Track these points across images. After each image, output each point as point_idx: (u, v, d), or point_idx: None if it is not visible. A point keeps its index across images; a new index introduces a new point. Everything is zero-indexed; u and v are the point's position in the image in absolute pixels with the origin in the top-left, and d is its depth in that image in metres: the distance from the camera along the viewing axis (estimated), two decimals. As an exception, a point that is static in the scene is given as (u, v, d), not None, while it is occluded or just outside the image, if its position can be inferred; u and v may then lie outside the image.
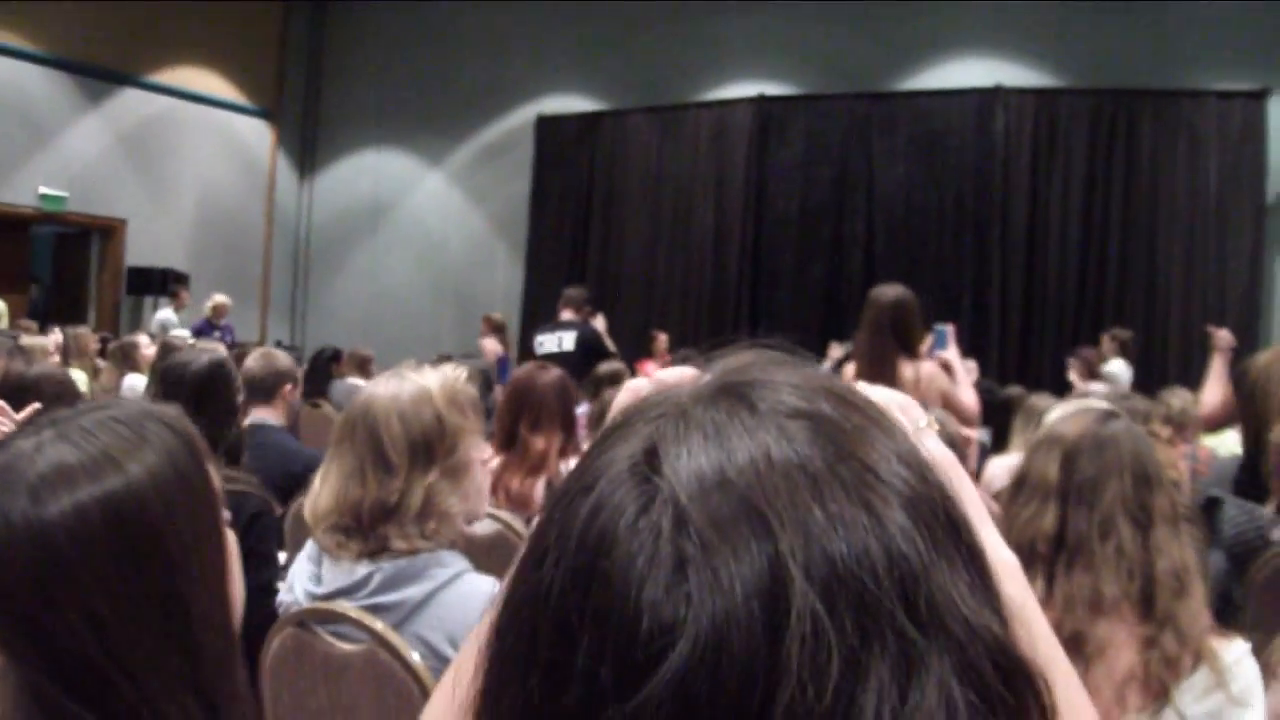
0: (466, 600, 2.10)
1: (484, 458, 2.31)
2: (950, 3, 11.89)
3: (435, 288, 14.49)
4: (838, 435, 0.55)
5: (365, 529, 2.12)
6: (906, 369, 4.45)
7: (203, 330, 11.10)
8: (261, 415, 4.12)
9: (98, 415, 1.19)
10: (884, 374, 4.39)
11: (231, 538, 1.28)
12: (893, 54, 12.18)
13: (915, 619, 0.50)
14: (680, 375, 0.68)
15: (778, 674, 0.48)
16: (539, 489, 3.62)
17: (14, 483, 1.11)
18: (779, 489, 0.52)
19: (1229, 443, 6.28)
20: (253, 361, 4.24)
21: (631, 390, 0.75)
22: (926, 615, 0.50)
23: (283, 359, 4.34)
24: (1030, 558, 1.87)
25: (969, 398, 4.65)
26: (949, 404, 4.51)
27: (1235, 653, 1.83)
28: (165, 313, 12.01)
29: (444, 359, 9.82)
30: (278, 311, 15.68)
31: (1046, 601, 1.83)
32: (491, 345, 9.26)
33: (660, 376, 0.74)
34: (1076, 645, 1.80)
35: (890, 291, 4.57)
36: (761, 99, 12.68)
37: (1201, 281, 10.98)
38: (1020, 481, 2.00)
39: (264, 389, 4.13)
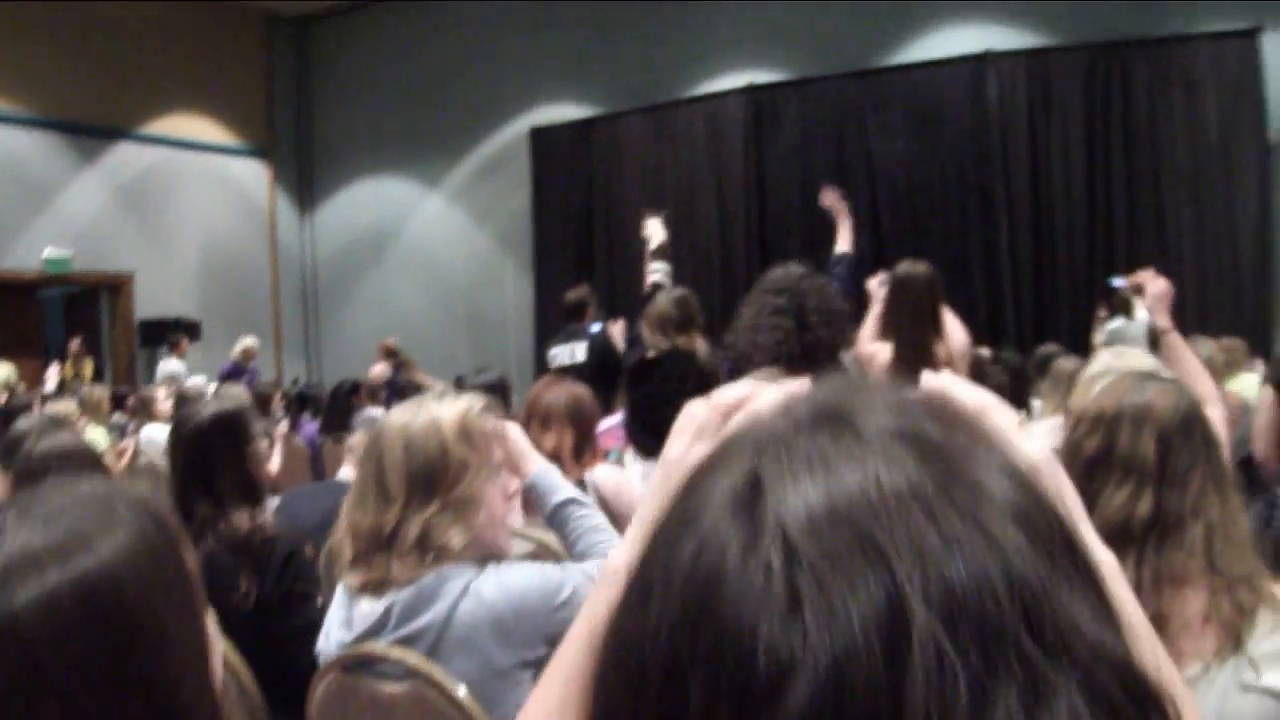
0: (476, 613, 2.07)
1: (509, 490, 2.28)
2: (933, -28, 11.85)
3: (446, 310, 14.50)
4: (944, 455, 0.54)
5: (366, 557, 2.12)
6: (942, 353, 4.43)
7: (232, 374, 11.19)
8: None
9: (63, 497, 1.12)
10: (925, 356, 4.36)
11: (212, 623, 1.19)
12: (879, 30, 12.13)
13: (1040, 643, 0.48)
14: (766, 394, 0.66)
15: (902, 706, 0.46)
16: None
17: None
18: (891, 516, 0.50)
19: (1252, 386, 6.26)
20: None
21: (716, 410, 0.72)
22: (1051, 638, 0.48)
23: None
24: (1124, 540, 1.86)
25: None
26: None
27: None
28: (170, 363, 12.07)
29: (459, 381, 9.86)
30: (292, 349, 15.70)
31: (1136, 583, 1.82)
32: (380, 370, 9.41)
33: (748, 397, 0.71)
34: (1160, 624, 1.78)
35: (920, 270, 4.55)
36: (752, 88, 12.65)
37: (1212, 226, 10.92)
38: (1104, 459, 1.96)
39: None
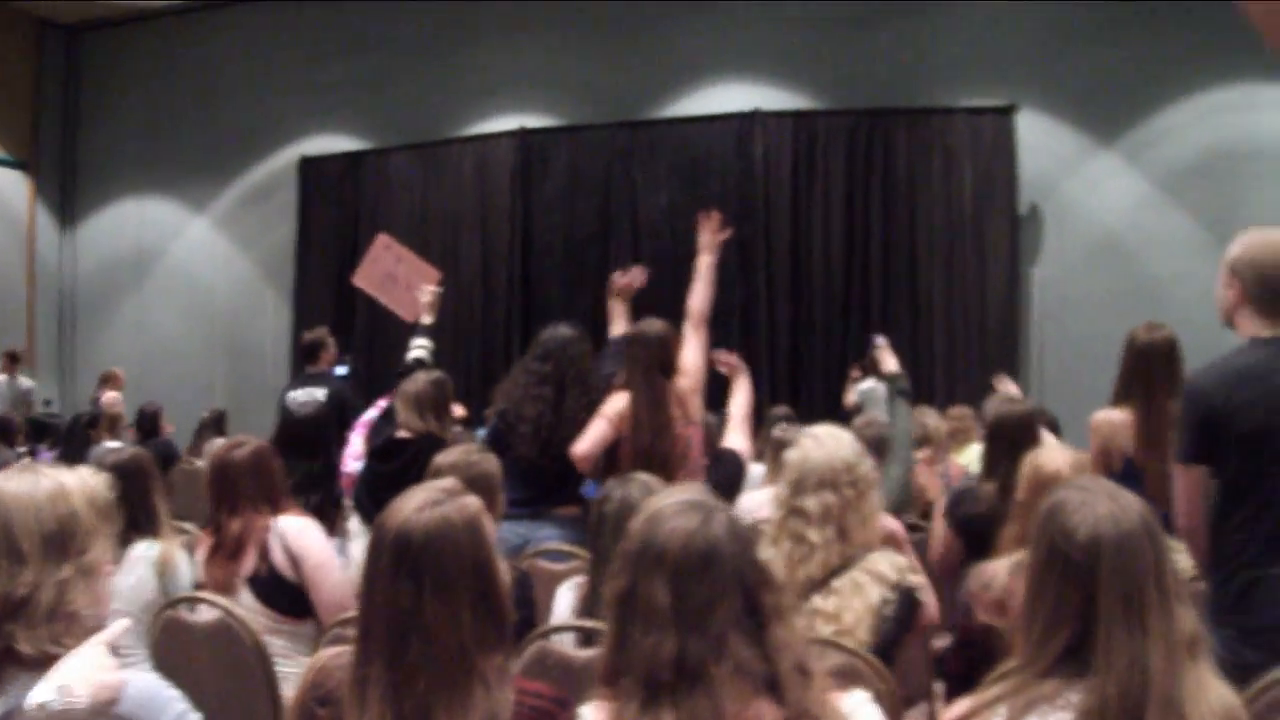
0: None
1: (110, 566, 2.15)
2: (706, 30, 11.98)
3: (205, 337, 14.03)
4: None
5: None
6: (675, 402, 4.62)
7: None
8: None
9: None
10: (664, 409, 4.58)
11: None
12: (651, 82, 12.24)
13: None
14: None
15: None
16: (247, 563, 3.60)
17: None
18: None
19: (976, 457, 6.32)
20: None
21: None
22: None
23: None
24: (655, 689, 1.78)
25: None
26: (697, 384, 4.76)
27: (854, 701, 1.91)
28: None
29: (217, 414, 9.51)
30: (45, 370, 14.94)
31: None
32: (112, 398, 9.39)
33: None
34: None
35: (657, 327, 4.76)
36: (523, 131, 12.59)
37: (962, 293, 11.19)
38: (628, 600, 1.86)
39: None
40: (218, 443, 7.87)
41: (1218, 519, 3.08)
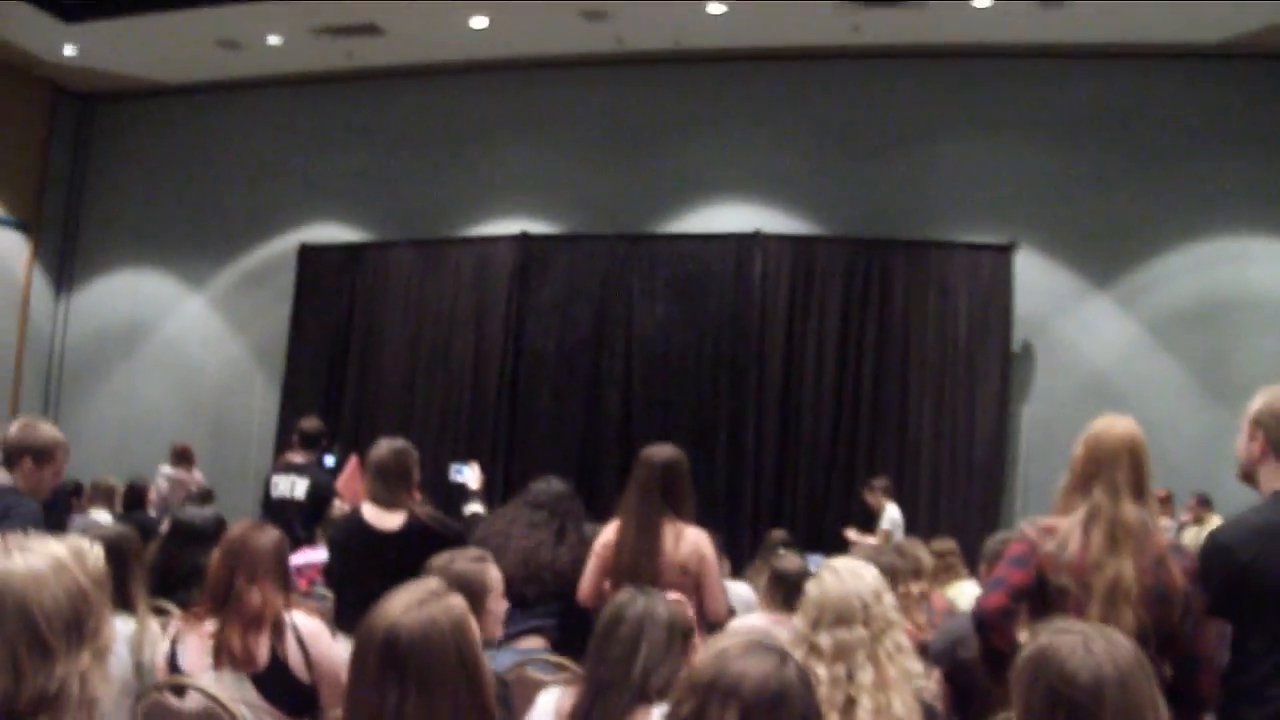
0: None
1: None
2: (711, 149, 12.11)
3: (191, 414, 13.93)
4: None
5: None
6: (670, 531, 4.51)
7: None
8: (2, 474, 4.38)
9: None
10: (654, 534, 4.50)
11: None
12: (654, 197, 12.36)
13: None
14: None
15: None
16: (263, 646, 3.45)
17: None
18: None
19: (968, 594, 6.26)
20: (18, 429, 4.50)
21: None
22: None
23: (39, 435, 4.46)
24: None
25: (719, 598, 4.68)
26: (706, 576, 4.54)
27: None
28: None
29: (204, 491, 9.44)
30: (28, 434, 14.83)
31: None
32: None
33: None
34: None
35: (662, 452, 4.66)
36: (524, 236, 12.67)
37: (951, 427, 11.23)
38: None
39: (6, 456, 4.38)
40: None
41: (1243, 661, 3.09)
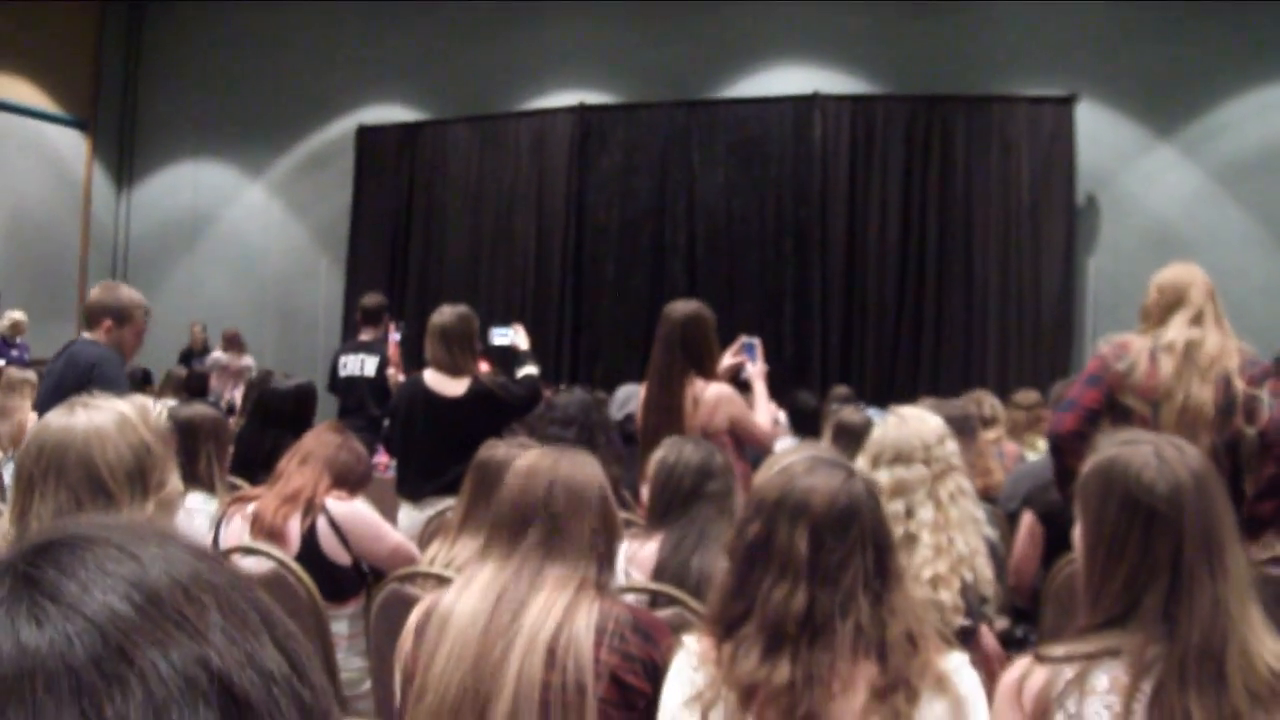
0: None
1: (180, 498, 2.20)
2: (767, 11, 11.96)
3: (256, 303, 14.09)
4: None
5: None
6: (694, 388, 4.45)
7: (-1, 350, 10.70)
8: (86, 334, 4.64)
9: None
10: (673, 392, 4.46)
11: None
12: (711, 62, 12.22)
13: None
14: None
15: None
16: (294, 523, 3.50)
17: None
18: None
19: (1039, 444, 6.32)
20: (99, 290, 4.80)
21: None
22: None
23: (118, 296, 4.70)
24: (780, 637, 1.85)
25: (764, 420, 4.65)
26: (739, 427, 4.50)
27: (954, 663, 1.90)
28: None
29: (265, 374, 9.59)
30: (96, 329, 15.07)
31: (790, 682, 1.82)
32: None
33: None
34: None
35: (682, 307, 4.59)
36: (582, 108, 12.57)
37: (1017, 282, 11.17)
38: (762, 548, 1.92)
39: (88, 317, 4.64)
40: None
41: None
